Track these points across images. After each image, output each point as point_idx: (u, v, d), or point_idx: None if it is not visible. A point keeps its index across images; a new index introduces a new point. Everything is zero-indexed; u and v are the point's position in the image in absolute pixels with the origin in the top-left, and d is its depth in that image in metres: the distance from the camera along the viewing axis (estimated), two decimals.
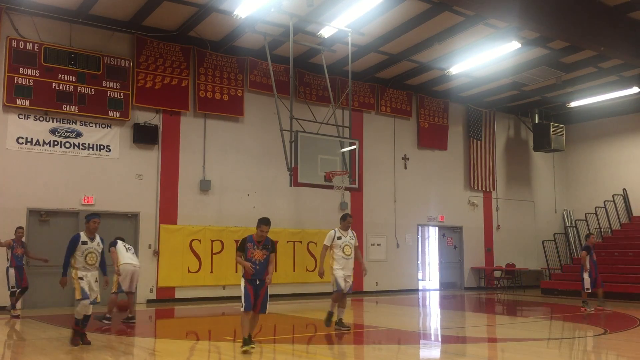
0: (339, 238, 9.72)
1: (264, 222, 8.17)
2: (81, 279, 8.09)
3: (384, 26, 14.39)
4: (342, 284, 9.48)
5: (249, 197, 16.00)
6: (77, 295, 8.08)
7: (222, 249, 15.35)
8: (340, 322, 9.58)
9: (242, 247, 7.93)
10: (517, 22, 12.66)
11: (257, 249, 7.94)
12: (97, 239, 8.36)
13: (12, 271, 11.49)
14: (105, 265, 8.59)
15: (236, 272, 15.48)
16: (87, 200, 13.84)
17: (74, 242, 8.18)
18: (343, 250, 9.61)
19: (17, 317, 11.35)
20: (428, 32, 14.79)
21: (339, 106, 16.23)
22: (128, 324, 10.43)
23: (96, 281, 8.28)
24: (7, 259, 11.56)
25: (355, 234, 9.93)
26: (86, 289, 8.05)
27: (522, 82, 18.38)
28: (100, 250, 8.33)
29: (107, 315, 10.43)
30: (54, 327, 10.20)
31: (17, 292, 11.60)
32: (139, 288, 14.22)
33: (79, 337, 8.12)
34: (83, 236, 8.26)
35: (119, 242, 10.93)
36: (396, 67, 17.40)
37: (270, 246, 8.11)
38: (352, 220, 9.99)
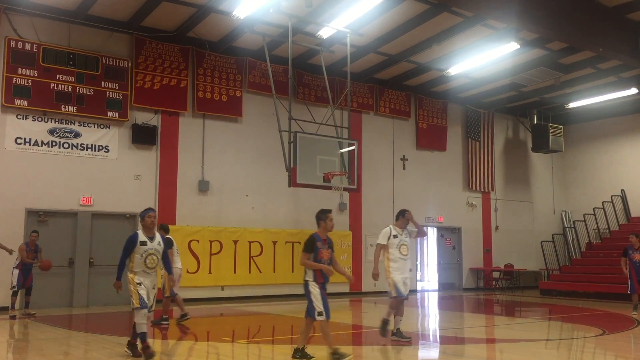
0: (395, 236, 8.69)
1: (329, 211, 7.44)
2: (139, 284, 7.11)
3: (383, 27, 14.39)
4: (402, 288, 8.56)
5: (247, 198, 15.99)
6: (135, 303, 7.09)
7: (221, 249, 15.34)
8: (399, 333, 8.63)
9: (310, 247, 7.10)
10: (515, 23, 12.66)
11: (324, 248, 7.22)
12: (157, 237, 7.35)
13: (16, 272, 11.52)
14: (170, 264, 7.90)
15: (235, 272, 15.52)
16: (85, 200, 13.83)
17: (132, 243, 7.15)
18: (399, 250, 8.65)
19: (14, 317, 11.35)
20: (427, 33, 14.80)
21: (338, 107, 16.23)
22: (161, 325, 10.31)
23: (154, 288, 7.33)
24: (16, 258, 11.58)
25: (410, 232, 8.87)
26: (145, 296, 7.10)
27: (521, 83, 18.39)
28: (161, 251, 7.35)
29: (164, 316, 10.42)
30: (52, 328, 10.20)
31: (17, 292, 11.64)
32: None
33: (142, 351, 7.11)
34: (141, 235, 7.20)
35: (174, 244, 10.71)
36: (395, 67, 17.41)
37: (332, 244, 7.42)
38: (411, 216, 8.92)
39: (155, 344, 9.22)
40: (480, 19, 13.69)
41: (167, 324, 10.40)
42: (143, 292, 7.08)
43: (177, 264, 10.75)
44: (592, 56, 15.94)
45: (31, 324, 10.63)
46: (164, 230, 10.67)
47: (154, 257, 7.21)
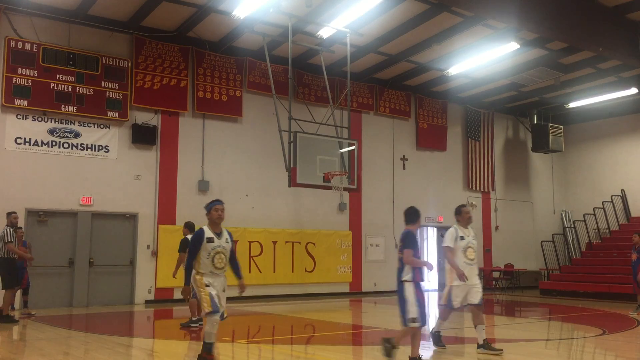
0: (462, 238, 7.67)
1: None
2: (208, 286, 6.28)
3: (383, 27, 14.39)
4: (456, 300, 7.66)
5: (247, 198, 15.98)
6: (206, 308, 6.22)
7: None
8: (486, 345, 7.57)
9: (413, 242, 6.47)
10: (515, 23, 12.67)
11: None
12: (225, 233, 6.50)
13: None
14: (239, 267, 6.80)
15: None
16: (85, 200, 13.83)
17: (198, 240, 6.33)
18: (465, 254, 7.63)
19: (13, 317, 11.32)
20: (427, 33, 14.80)
21: (338, 107, 16.23)
22: (189, 328, 10.08)
23: (224, 290, 6.46)
24: None
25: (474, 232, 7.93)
26: (216, 299, 6.24)
27: (521, 83, 18.39)
28: (229, 249, 6.50)
29: (193, 319, 10.02)
30: (52, 328, 10.19)
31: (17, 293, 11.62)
32: (138, 288, 14.29)
33: None
34: (208, 231, 6.38)
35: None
36: (395, 67, 17.40)
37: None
38: (471, 211, 8.03)
39: (155, 344, 9.23)
40: (480, 18, 13.68)
41: (198, 326, 9.93)
42: (214, 293, 6.25)
43: None
44: (592, 56, 15.94)
45: (31, 324, 10.62)
46: (189, 228, 10.32)
47: (222, 256, 6.38)
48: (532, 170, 22.82)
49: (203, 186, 15.31)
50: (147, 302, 14.27)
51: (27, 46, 13.32)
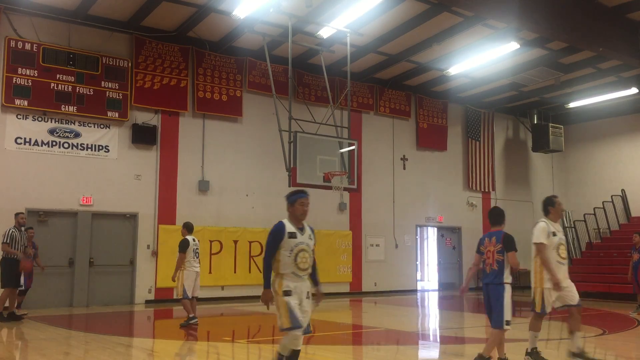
0: (554, 234, 6.91)
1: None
2: (288, 293, 5.21)
3: (383, 27, 14.39)
4: (549, 304, 6.88)
5: (247, 198, 15.99)
6: (284, 324, 5.18)
7: (221, 249, 15.35)
8: (581, 355, 6.82)
9: (515, 244, 6.32)
10: (516, 22, 12.66)
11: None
12: (308, 229, 5.46)
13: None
14: (317, 275, 5.59)
15: (235, 272, 15.51)
16: (85, 200, 13.83)
17: (279, 234, 5.33)
18: (558, 252, 6.86)
19: (26, 315, 11.34)
20: (427, 33, 14.79)
21: (338, 107, 16.22)
22: (190, 326, 10.21)
23: (308, 297, 5.36)
24: None
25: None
26: (296, 311, 5.16)
27: (521, 83, 18.39)
28: (312, 247, 5.46)
29: (191, 315, 10.14)
30: (52, 328, 10.20)
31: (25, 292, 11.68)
32: (138, 288, 14.29)
33: None
34: (289, 225, 5.37)
35: (191, 245, 10.26)
36: (395, 67, 17.40)
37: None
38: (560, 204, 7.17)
39: (155, 344, 9.23)
40: (480, 18, 13.68)
41: (196, 323, 10.12)
42: (294, 305, 5.16)
43: (194, 266, 10.26)
44: (592, 56, 15.93)
45: (31, 324, 10.62)
46: (187, 229, 10.41)
47: (306, 255, 5.31)
48: (532, 170, 22.81)
49: (203, 186, 15.31)
50: (147, 302, 14.27)
51: (27, 46, 13.32)
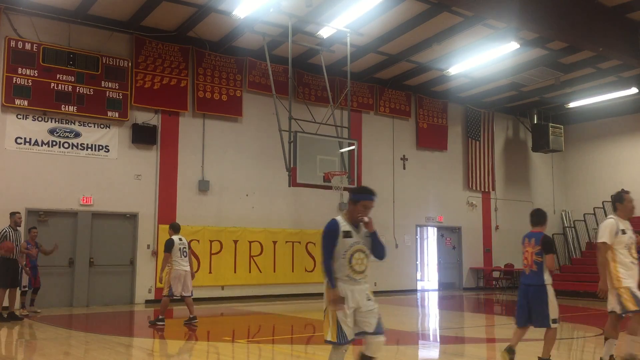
0: (624, 232, 6.31)
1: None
2: (341, 300, 4.63)
3: (383, 27, 14.39)
4: (630, 304, 6.24)
5: (247, 198, 15.99)
6: (330, 335, 4.62)
7: (221, 249, 15.35)
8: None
9: (553, 246, 6.19)
10: (516, 22, 12.66)
11: None
12: (362, 227, 4.80)
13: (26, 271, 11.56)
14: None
15: (235, 272, 15.52)
16: (85, 200, 13.83)
17: (333, 233, 4.69)
18: (630, 251, 6.29)
19: (27, 316, 11.34)
20: (427, 33, 14.80)
21: (338, 106, 16.23)
22: (191, 325, 10.26)
23: (369, 299, 4.76)
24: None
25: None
26: (345, 325, 4.59)
27: (521, 83, 18.39)
28: (369, 247, 4.82)
29: (160, 317, 10.23)
30: (52, 328, 10.20)
31: (28, 292, 11.69)
32: (138, 288, 14.29)
33: None
34: (343, 224, 4.73)
35: (176, 244, 10.26)
36: (395, 67, 17.40)
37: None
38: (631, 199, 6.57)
39: (155, 344, 9.23)
40: (480, 18, 13.68)
41: (163, 325, 10.20)
42: (342, 315, 4.59)
43: (182, 265, 10.29)
44: (592, 56, 15.94)
45: (31, 324, 10.62)
46: (174, 229, 10.50)
47: (363, 256, 4.72)
48: (532, 170, 22.82)
49: (203, 186, 15.31)
50: (147, 302, 14.26)
51: (27, 46, 13.32)
